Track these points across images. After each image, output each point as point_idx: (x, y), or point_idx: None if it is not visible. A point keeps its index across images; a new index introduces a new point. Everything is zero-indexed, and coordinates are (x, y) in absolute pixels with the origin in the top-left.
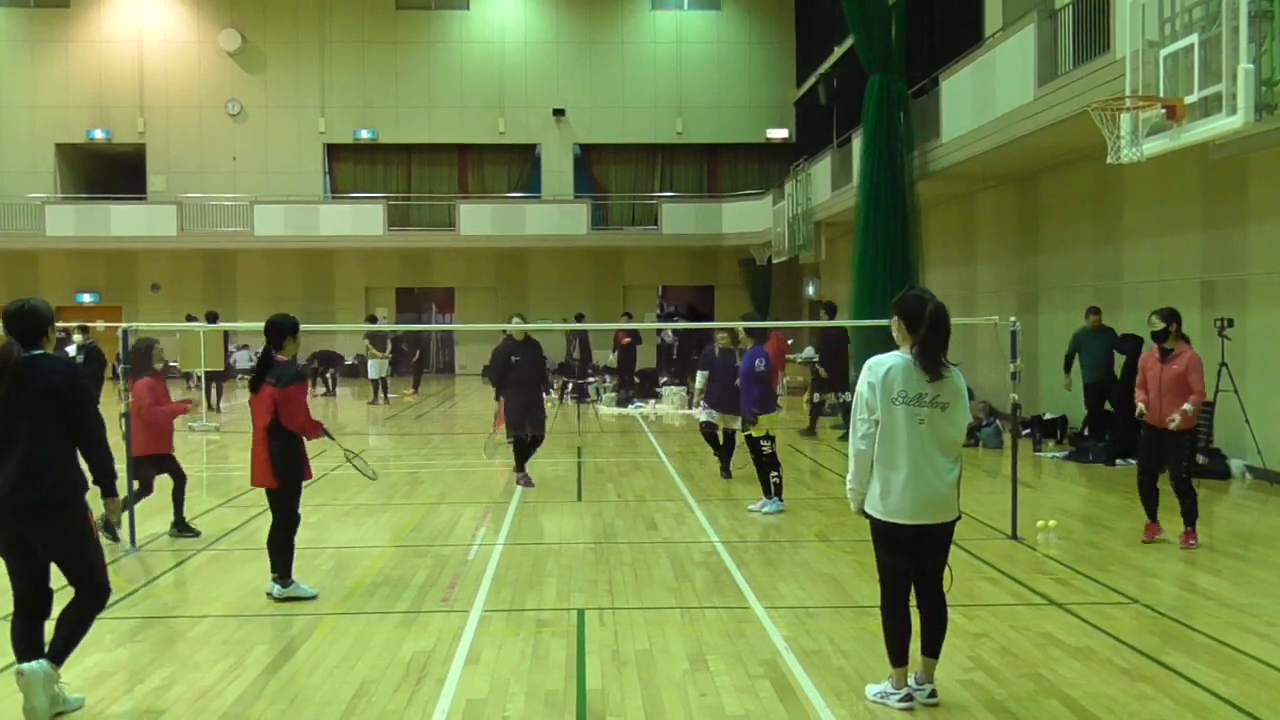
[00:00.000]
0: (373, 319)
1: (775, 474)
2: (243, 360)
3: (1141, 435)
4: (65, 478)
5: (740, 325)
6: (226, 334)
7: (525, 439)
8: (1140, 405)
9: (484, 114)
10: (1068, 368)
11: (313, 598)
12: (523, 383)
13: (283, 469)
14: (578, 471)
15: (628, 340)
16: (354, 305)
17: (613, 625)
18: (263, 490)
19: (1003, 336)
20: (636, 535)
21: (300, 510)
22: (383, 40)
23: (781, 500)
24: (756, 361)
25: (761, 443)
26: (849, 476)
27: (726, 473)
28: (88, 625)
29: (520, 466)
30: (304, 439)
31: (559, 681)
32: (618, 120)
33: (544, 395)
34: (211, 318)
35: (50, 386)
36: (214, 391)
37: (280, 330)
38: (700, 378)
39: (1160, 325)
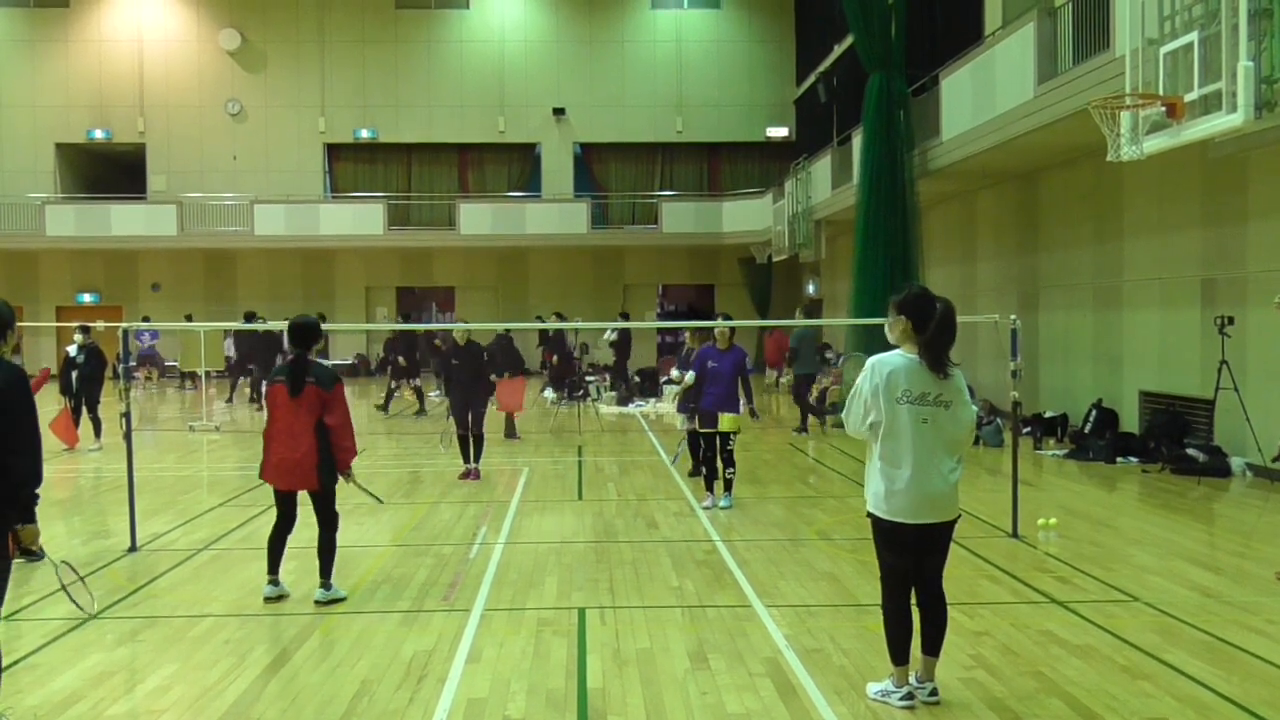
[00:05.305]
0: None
1: (733, 470)
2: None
3: None
4: None
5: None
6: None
7: (466, 436)
8: None
9: (484, 113)
10: None
11: (343, 599)
12: (462, 383)
13: (327, 470)
14: (578, 470)
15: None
16: (354, 305)
17: (613, 624)
18: (270, 487)
19: (1003, 334)
20: (637, 534)
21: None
22: (383, 39)
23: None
24: (745, 359)
25: (731, 437)
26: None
27: (697, 469)
28: None
29: (466, 460)
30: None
31: (560, 680)
32: (618, 119)
33: (488, 395)
34: (249, 317)
35: None
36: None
37: (312, 331)
38: (688, 376)
39: None
